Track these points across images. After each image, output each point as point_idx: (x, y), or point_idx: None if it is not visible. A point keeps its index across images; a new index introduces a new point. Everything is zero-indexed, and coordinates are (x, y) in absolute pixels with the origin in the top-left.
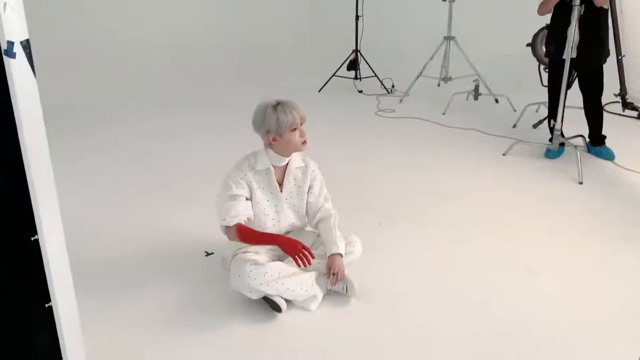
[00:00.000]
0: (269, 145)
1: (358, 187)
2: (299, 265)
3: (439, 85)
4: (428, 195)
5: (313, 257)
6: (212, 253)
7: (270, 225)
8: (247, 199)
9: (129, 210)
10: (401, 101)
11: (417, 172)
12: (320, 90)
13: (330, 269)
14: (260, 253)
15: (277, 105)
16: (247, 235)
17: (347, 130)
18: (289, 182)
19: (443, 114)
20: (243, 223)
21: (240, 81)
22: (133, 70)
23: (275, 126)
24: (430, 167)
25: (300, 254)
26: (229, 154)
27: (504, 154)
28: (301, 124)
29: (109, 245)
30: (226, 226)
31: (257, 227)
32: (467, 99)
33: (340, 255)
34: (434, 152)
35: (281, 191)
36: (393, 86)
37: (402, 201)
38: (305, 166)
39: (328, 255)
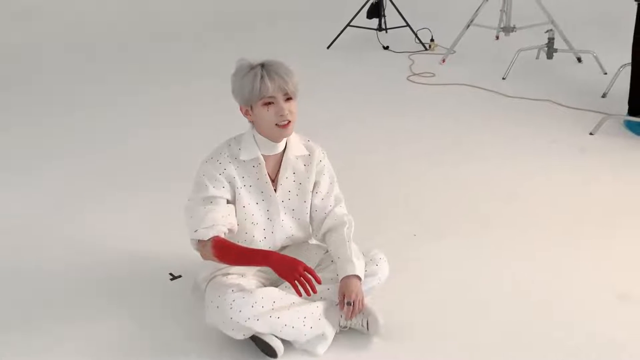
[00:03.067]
0: (250, 121)
1: (382, 183)
2: (300, 294)
3: (497, 38)
4: (483, 193)
5: (319, 282)
6: (179, 276)
7: (261, 238)
8: (228, 202)
9: (58, 213)
10: (444, 61)
11: (467, 161)
12: (330, 45)
13: (344, 297)
14: (247, 275)
15: (254, 68)
16: (228, 252)
17: (367, 103)
18: (285, 178)
19: (503, 78)
20: (222, 236)
21: (216, 30)
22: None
23: (242, 93)
24: (486, 153)
25: (302, 277)
26: (203, 136)
27: (591, 133)
28: (287, 99)
29: (27, 261)
30: (199, 240)
31: (242, 242)
32: (537, 57)
33: (359, 278)
34: (490, 132)
35: (275, 191)
36: (432, 40)
37: (446, 202)
38: (310, 155)
39: (341, 278)
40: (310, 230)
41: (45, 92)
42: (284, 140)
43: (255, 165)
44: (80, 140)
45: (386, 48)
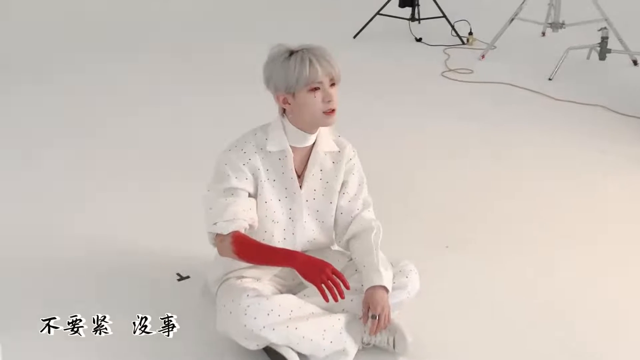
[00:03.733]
0: (283, 112)
1: (412, 188)
2: (327, 299)
3: (543, 34)
4: (524, 206)
5: (348, 288)
6: (187, 277)
7: (280, 238)
8: (249, 195)
9: (59, 205)
10: (483, 57)
11: (506, 168)
12: (357, 35)
13: (368, 310)
14: (263, 280)
15: (297, 52)
16: (249, 249)
17: (395, 100)
18: (312, 175)
19: (550, 79)
20: (243, 231)
21: (235, 18)
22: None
23: (285, 79)
24: (529, 162)
25: (330, 281)
26: (223, 128)
27: None
28: (331, 85)
29: (20, 259)
30: (217, 234)
31: (259, 241)
32: (588, 57)
33: (385, 289)
34: (532, 138)
35: (300, 188)
36: (471, 33)
37: (481, 214)
38: (339, 152)
39: (366, 288)
40: (334, 235)
41: (44, 74)
42: (316, 132)
43: (282, 158)
44: (81, 127)
45: (419, 40)
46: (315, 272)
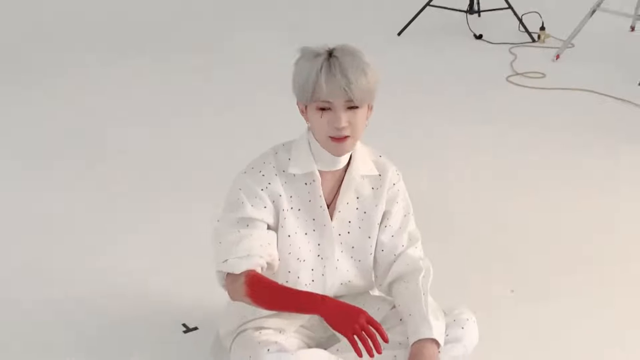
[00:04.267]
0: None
1: (465, 219)
2: (360, 354)
3: (632, 29)
4: (605, 244)
5: (386, 340)
6: (195, 328)
7: (307, 280)
8: (269, 227)
9: (45, 238)
10: (558, 57)
11: (585, 197)
12: (402, 31)
13: None
14: (287, 332)
15: (318, 56)
16: (266, 292)
17: (448, 109)
18: (346, 204)
19: (639, 84)
20: (260, 270)
21: (263, 8)
22: None
23: (299, 87)
24: (612, 187)
25: (364, 331)
26: (240, 144)
27: None
28: (350, 107)
29: (12, 302)
30: (228, 274)
31: (283, 284)
32: None
33: (436, 343)
34: (620, 158)
35: (331, 219)
36: (543, 29)
37: (555, 252)
38: (380, 176)
39: (412, 342)
40: (373, 277)
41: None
42: (348, 154)
43: (309, 183)
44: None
45: (479, 37)
46: (346, 320)
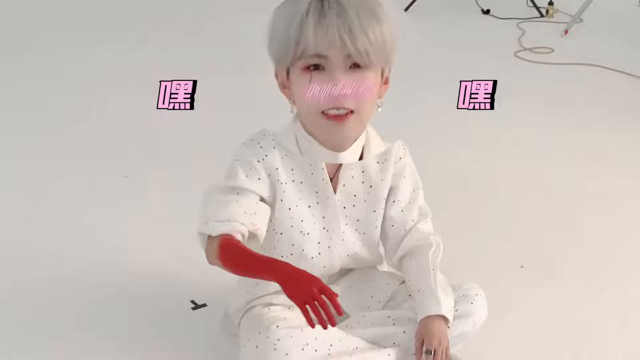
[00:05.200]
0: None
1: (474, 196)
2: (312, 325)
3: None
4: (618, 223)
5: (340, 314)
6: (203, 305)
7: (314, 253)
8: (262, 200)
9: (48, 215)
10: (567, 32)
11: (598, 176)
12: (409, 7)
13: (423, 344)
14: (296, 309)
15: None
16: (235, 257)
17: (457, 86)
18: (351, 177)
19: None
20: (240, 238)
21: None
22: None
23: (277, 42)
24: (626, 166)
25: (315, 301)
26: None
27: None
28: (352, 65)
29: (16, 279)
30: (208, 236)
31: (288, 257)
32: None
33: (445, 319)
34: (632, 136)
35: (335, 192)
36: (551, 3)
37: (566, 228)
38: (386, 150)
39: (421, 317)
40: (382, 252)
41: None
42: (350, 147)
43: (312, 164)
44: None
45: (486, 12)
46: (298, 287)
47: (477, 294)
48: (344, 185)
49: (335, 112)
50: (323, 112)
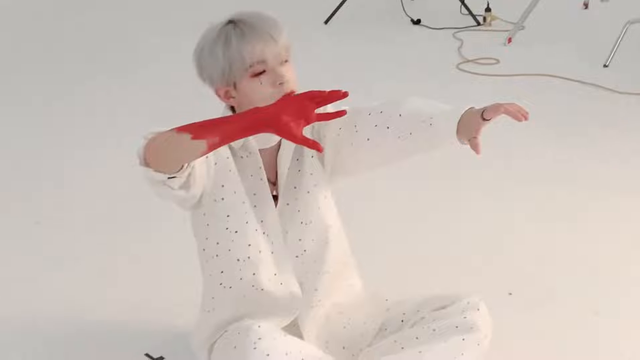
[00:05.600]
0: (231, 109)
1: (448, 220)
2: (320, 150)
3: (586, 6)
4: (599, 245)
5: (345, 94)
6: (160, 358)
7: (267, 251)
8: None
9: None
10: (510, 41)
11: (569, 194)
12: (329, 19)
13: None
14: (269, 325)
15: (227, 26)
16: (203, 124)
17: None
18: (286, 169)
19: (605, 65)
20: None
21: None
22: None
23: (219, 67)
24: (595, 182)
25: (316, 118)
26: None
27: None
28: (282, 62)
29: None
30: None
31: (234, 269)
32: None
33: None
34: (597, 149)
35: (276, 196)
36: (488, 10)
37: (546, 253)
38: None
39: (454, 124)
40: (333, 243)
41: None
42: None
43: (245, 156)
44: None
45: (417, 22)
46: (293, 105)
47: (478, 310)
48: (282, 180)
49: (285, 93)
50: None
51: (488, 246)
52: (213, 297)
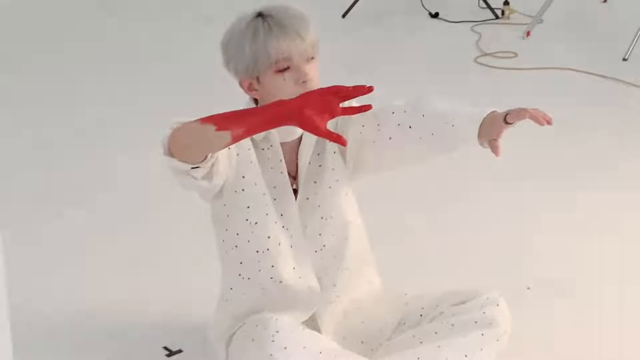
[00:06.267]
0: (254, 101)
1: (452, 217)
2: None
3: (604, 0)
4: (621, 236)
5: (371, 89)
6: (179, 351)
7: (286, 245)
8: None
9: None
10: (528, 34)
11: (588, 187)
12: (347, 13)
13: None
14: (287, 318)
15: (256, 20)
16: (227, 116)
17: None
18: (307, 164)
19: (624, 59)
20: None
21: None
22: None
23: (245, 60)
24: (617, 174)
25: (342, 112)
26: None
27: None
28: (308, 59)
29: None
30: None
31: (253, 260)
32: None
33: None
34: (618, 142)
35: (296, 189)
36: (507, 3)
37: (566, 246)
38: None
39: (477, 128)
40: (353, 240)
41: None
42: None
43: (266, 148)
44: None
45: (435, 16)
46: (316, 99)
47: (498, 306)
48: (303, 174)
49: (304, 92)
50: None
51: (507, 240)
52: (232, 288)
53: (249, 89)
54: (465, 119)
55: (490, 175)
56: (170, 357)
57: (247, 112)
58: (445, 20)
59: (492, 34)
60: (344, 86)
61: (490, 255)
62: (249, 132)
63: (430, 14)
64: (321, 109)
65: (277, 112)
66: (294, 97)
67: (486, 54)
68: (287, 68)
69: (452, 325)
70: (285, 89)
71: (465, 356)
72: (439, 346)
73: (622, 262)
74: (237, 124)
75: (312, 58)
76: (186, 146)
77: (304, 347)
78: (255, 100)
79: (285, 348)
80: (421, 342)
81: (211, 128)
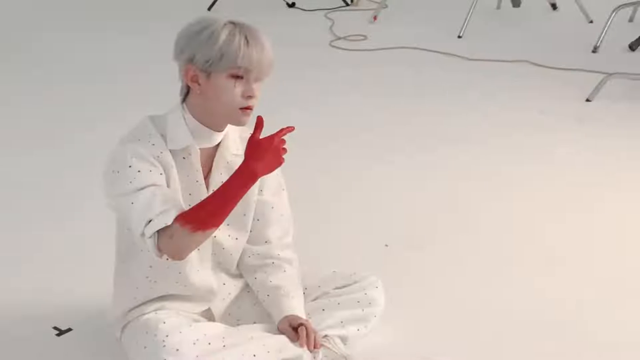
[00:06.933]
0: (184, 99)
1: (319, 186)
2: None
3: None
4: (460, 186)
5: (292, 129)
6: (68, 329)
7: (196, 263)
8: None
9: None
10: (375, 19)
11: (431, 148)
12: (211, 7)
13: (294, 328)
14: (171, 313)
15: (228, 25)
16: (204, 211)
17: (275, 84)
18: (220, 181)
19: (459, 37)
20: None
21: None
22: None
23: (208, 49)
24: (455, 135)
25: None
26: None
27: (587, 100)
28: (261, 78)
29: None
30: (160, 232)
31: (162, 266)
32: (498, 7)
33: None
34: (457, 106)
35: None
36: None
37: (414, 203)
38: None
39: (285, 315)
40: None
41: None
42: (224, 131)
43: (186, 157)
44: None
45: (292, 5)
46: (267, 156)
47: (377, 287)
48: (213, 188)
49: (247, 106)
50: (240, 108)
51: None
52: (137, 287)
53: (192, 80)
54: (281, 306)
55: (344, 141)
56: (61, 336)
57: (226, 200)
58: (301, 9)
59: (343, 19)
60: (282, 132)
61: (341, 217)
62: (226, 216)
63: (287, 4)
64: (273, 166)
65: (243, 188)
66: (234, 106)
67: (339, 38)
68: (241, 77)
69: (339, 304)
70: (229, 95)
71: (341, 322)
72: (322, 317)
73: (460, 213)
74: (221, 216)
75: (259, 80)
76: (182, 252)
77: (194, 344)
78: (187, 90)
79: (177, 350)
80: (309, 315)
81: (202, 234)
